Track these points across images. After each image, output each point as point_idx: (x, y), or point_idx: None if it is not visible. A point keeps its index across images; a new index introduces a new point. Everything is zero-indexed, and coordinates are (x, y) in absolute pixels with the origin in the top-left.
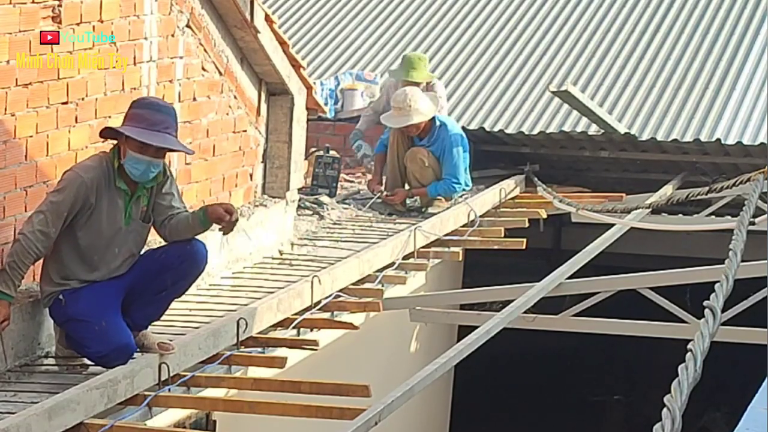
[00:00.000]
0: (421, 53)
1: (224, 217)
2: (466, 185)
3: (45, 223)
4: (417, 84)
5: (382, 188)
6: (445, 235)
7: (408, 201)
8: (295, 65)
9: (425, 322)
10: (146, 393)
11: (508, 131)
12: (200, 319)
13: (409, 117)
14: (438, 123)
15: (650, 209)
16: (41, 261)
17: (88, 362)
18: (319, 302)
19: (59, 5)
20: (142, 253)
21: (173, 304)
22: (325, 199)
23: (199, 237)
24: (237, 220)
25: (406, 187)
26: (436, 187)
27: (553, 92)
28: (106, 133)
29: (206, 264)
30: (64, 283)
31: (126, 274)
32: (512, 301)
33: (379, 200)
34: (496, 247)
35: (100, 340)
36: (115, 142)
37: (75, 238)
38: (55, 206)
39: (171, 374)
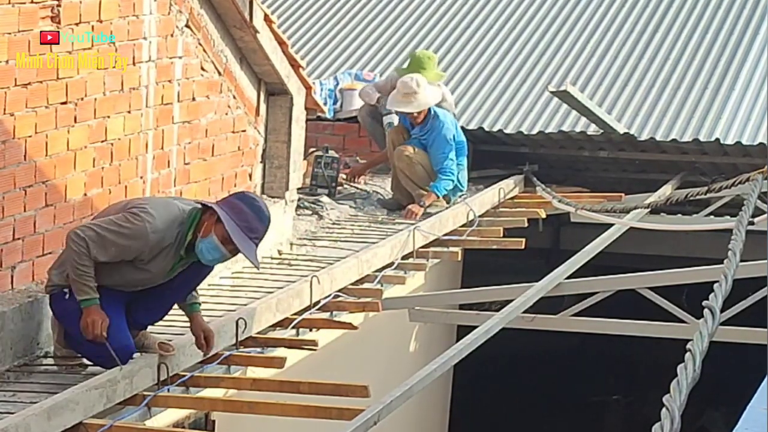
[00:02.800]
0: (431, 52)
1: (200, 347)
2: (461, 184)
3: (94, 247)
4: None
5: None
6: (444, 235)
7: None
8: (294, 65)
9: (424, 322)
10: (145, 393)
11: (507, 131)
12: None
13: (417, 103)
14: (432, 112)
15: (649, 209)
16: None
17: (87, 362)
18: (318, 302)
19: (58, 5)
20: None
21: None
22: (324, 198)
23: None
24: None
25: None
26: (437, 186)
27: (552, 92)
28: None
29: (212, 268)
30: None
31: None
32: (511, 301)
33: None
34: (495, 247)
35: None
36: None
37: (114, 266)
38: (107, 242)
39: (170, 374)
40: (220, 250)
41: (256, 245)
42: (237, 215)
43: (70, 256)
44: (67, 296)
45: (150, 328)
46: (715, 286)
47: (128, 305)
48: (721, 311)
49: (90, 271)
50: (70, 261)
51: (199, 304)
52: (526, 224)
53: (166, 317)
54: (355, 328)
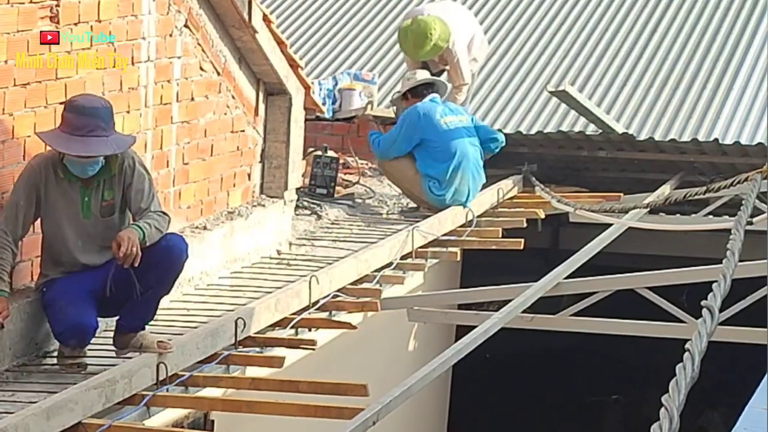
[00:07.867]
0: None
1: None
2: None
3: (5, 221)
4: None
5: None
6: (443, 235)
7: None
8: (293, 65)
9: (423, 321)
10: (144, 393)
11: (505, 131)
12: (198, 318)
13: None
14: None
15: (648, 209)
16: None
17: (87, 362)
18: (317, 302)
19: (57, 5)
20: None
21: (171, 304)
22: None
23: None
24: (131, 254)
25: None
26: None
27: (550, 92)
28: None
29: (187, 256)
30: (45, 275)
31: (106, 267)
32: (510, 300)
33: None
34: (494, 247)
35: (59, 319)
36: None
37: (43, 233)
38: (10, 202)
39: (169, 374)
40: (76, 161)
41: (96, 136)
42: (65, 126)
43: None
44: (45, 292)
45: (148, 328)
46: (714, 285)
47: (119, 311)
48: (720, 311)
49: (5, 267)
50: None
51: (141, 228)
52: (525, 224)
53: (165, 317)
54: (354, 327)
